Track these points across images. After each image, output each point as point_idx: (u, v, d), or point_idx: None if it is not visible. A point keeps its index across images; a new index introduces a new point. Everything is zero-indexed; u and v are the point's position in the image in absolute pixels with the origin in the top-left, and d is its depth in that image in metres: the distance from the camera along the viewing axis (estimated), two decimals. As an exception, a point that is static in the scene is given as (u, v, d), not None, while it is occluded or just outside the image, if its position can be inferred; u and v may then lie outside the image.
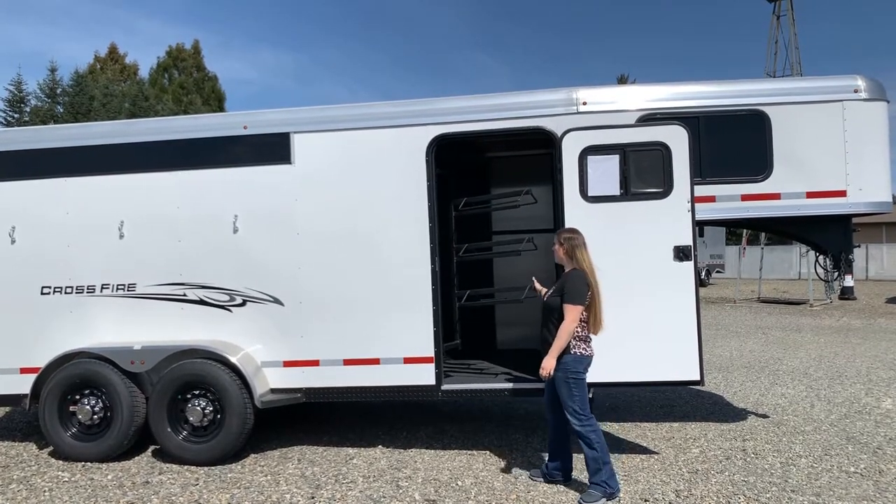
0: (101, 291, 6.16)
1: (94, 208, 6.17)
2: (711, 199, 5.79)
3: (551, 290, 5.01)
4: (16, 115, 31.98)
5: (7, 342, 6.24)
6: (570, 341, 4.81)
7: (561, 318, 4.81)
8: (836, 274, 6.42)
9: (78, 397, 5.97)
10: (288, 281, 5.96)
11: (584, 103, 5.76)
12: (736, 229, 23.64)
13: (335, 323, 5.91)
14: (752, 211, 5.82)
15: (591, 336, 4.95)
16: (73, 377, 5.92)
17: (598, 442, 4.83)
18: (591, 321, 4.90)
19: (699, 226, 5.75)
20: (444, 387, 5.85)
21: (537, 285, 5.52)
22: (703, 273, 30.09)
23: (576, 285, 4.82)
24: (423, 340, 5.79)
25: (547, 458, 5.30)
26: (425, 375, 5.80)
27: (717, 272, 32.38)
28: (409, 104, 5.95)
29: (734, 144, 5.83)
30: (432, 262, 5.80)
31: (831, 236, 6.11)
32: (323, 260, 5.92)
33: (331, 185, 5.93)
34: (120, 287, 6.14)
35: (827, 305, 19.96)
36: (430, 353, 5.79)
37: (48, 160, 6.24)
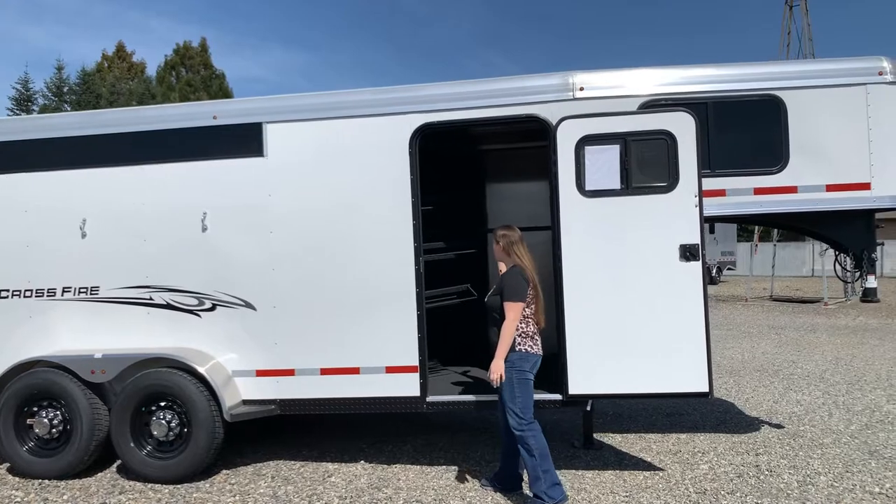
0: (63, 295, 5.72)
1: (55, 206, 5.73)
2: (721, 192, 5.28)
3: (491, 291, 4.87)
4: (23, 114, 31.88)
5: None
6: (515, 338, 4.64)
7: (503, 318, 4.62)
8: (858, 274, 5.90)
9: (36, 409, 5.53)
10: (260, 283, 5.50)
11: (582, 89, 5.26)
12: (748, 225, 23.01)
13: (311, 329, 5.45)
14: (766, 206, 5.31)
15: (538, 333, 4.79)
16: (30, 388, 5.49)
17: (537, 448, 4.57)
18: (537, 316, 4.75)
19: (708, 222, 5.24)
20: (430, 398, 5.37)
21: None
22: (714, 270, 29.47)
23: (514, 282, 4.67)
24: (407, 348, 5.33)
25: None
26: (409, 386, 5.34)
27: (729, 269, 31.71)
28: (390, 91, 5.48)
29: (746, 133, 5.33)
30: (416, 263, 5.33)
31: (853, 233, 5.59)
32: (298, 261, 5.46)
33: (306, 179, 5.46)
34: (82, 290, 5.70)
35: (842, 304, 19.36)
36: (415, 361, 5.32)
37: (5, 155, 5.80)
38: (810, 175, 5.25)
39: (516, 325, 4.62)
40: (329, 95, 5.54)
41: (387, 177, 5.35)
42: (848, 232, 5.60)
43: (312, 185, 5.44)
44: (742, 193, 5.28)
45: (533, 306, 4.74)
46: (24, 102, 37.08)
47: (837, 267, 6.06)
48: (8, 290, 5.78)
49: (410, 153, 5.32)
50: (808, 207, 5.29)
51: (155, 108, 6.00)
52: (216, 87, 42.32)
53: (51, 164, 5.73)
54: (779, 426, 6.66)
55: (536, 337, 4.75)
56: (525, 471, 4.73)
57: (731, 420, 6.97)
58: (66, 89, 38.84)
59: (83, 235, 5.68)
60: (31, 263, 5.75)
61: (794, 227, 6.43)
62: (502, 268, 4.95)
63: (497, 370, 4.56)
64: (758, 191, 5.28)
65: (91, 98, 36.76)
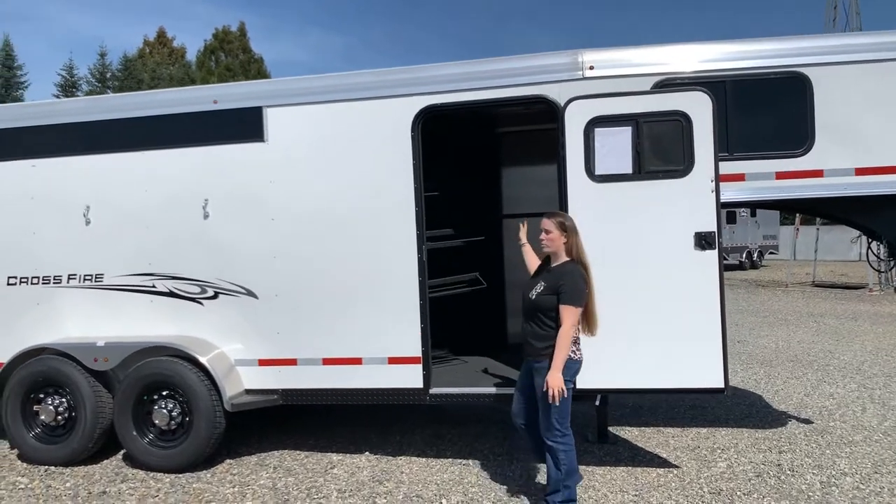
0: (68, 282, 5.70)
1: (60, 193, 5.69)
2: (740, 177, 4.97)
3: (540, 287, 4.25)
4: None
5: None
6: None
7: (552, 319, 4.15)
8: (893, 263, 5.53)
9: (42, 396, 5.54)
10: (262, 271, 5.39)
11: (591, 67, 4.99)
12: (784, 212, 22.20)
13: (313, 318, 5.33)
14: (789, 191, 4.98)
15: (584, 337, 4.31)
16: (36, 375, 5.49)
17: (566, 463, 4.23)
18: (588, 321, 4.26)
19: (725, 209, 4.95)
20: (433, 390, 5.22)
21: (523, 234, 4.88)
22: (756, 254, 28.70)
23: (577, 284, 4.14)
24: (409, 338, 5.17)
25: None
26: (412, 377, 5.18)
27: (771, 254, 30.83)
28: (392, 73, 5.28)
29: (768, 113, 5.00)
30: (419, 251, 5.15)
31: (886, 220, 5.21)
32: (299, 248, 5.33)
33: (307, 164, 5.31)
34: (87, 277, 5.67)
35: (888, 291, 18.61)
36: (417, 352, 5.17)
37: (12, 141, 5.78)
38: (838, 158, 4.90)
39: (573, 331, 4.12)
40: (329, 78, 5.37)
41: (388, 162, 5.17)
42: (881, 219, 5.22)
43: (313, 171, 5.30)
44: (762, 178, 4.96)
45: (586, 310, 4.25)
46: (69, 89, 37.87)
47: (871, 255, 5.69)
48: (16, 277, 5.78)
49: (413, 137, 5.13)
50: (836, 193, 4.94)
51: (157, 92, 5.93)
52: (255, 72, 42.53)
53: (55, 150, 5.69)
54: (807, 421, 6.34)
55: (579, 342, 4.26)
56: (547, 477, 4.40)
57: (756, 414, 6.66)
58: (108, 75, 39.57)
59: (87, 223, 5.64)
60: (37, 250, 5.74)
61: (821, 213, 6.08)
62: (556, 257, 4.29)
63: (556, 384, 4.03)
64: (780, 175, 4.95)
65: (133, 83, 37.34)
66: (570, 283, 4.13)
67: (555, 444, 4.19)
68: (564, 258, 4.27)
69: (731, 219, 26.95)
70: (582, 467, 5.09)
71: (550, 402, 4.07)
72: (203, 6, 67.36)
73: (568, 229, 4.25)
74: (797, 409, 6.76)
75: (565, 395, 4.09)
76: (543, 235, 4.29)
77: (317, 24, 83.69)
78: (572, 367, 4.18)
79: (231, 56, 43.34)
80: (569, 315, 4.09)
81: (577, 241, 4.25)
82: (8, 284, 5.79)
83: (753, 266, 28.32)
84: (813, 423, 6.29)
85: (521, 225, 4.95)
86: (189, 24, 65.19)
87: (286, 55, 75.22)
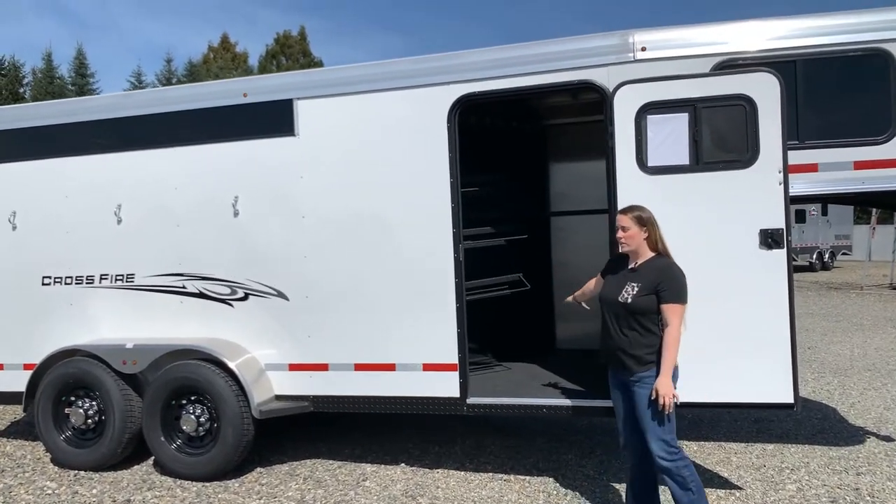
0: (100, 282, 5.58)
1: (92, 191, 5.57)
2: (812, 167, 4.45)
3: (633, 288, 3.78)
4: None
5: (10, 335, 5.78)
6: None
7: (654, 323, 3.73)
8: None
9: (73, 399, 5.43)
10: (293, 272, 5.14)
11: (644, 49, 4.55)
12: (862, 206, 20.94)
13: (345, 321, 5.05)
14: (870, 182, 4.42)
15: None
16: (67, 377, 5.37)
17: (693, 480, 3.73)
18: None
19: (795, 205, 4.44)
20: (471, 400, 4.86)
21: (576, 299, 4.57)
22: (827, 255, 27.29)
23: (678, 279, 3.73)
24: (445, 344, 4.83)
25: None
26: (447, 386, 4.85)
27: (844, 254, 29.27)
28: (427, 60, 4.95)
29: (844, 96, 4.47)
30: (455, 251, 4.80)
31: None
32: (331, 248, 5.06)
33: (338, 159, 5.03)
34: (119, 278, 5.53)
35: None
36: (454, 359, 4.82)
37: (44, 139, 5.70)
38: (927, 145, 4.35)
39: (681, 333, 3.74)
40: (361, 67, 5.07)
41: (423, 155, 4.85)
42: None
43: (344, 166, 5.02)
44: (839, 168, 4.42)
45: None
46: (137, 95, 38.98)
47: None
48: (50, 277, 5.69)
49: (449, 128, 4.79)
50: (924, 184, 4.38)
51: (186, 87, 5.75)
52: (314, 75, 43.05)
53: (87, 148, 5.58)
54: (888, 439, 5.73)
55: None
56: None
57: (830, 430, 6.07)
58: (174, 80, 40.62)
59: (119, 221, 5.51)
60: (71, 250, 5.63)
61: (907, 207, 5.45)
62: (638, 255, 3.86)
63: (668, 390, 3.61)
64: (858, 165, 4.41)
65: (198, 89, 38.12)
66: (670, 279, 3.72)
67: (674, 463, 3.71)
68: (650, 254, 3.83)
69: (801, 217, 25.71)
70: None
71: (661, 409, 3.62)
72: (266, 11, 68.66)
73: (647, 222, 3.81)
74: (876, 425, 6.14)
75: (678, 403, 3.67)
76: (620, 233, 3.85)
77: (376, 25, 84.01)
78: (677, 375, 3.76)
79: (291, 60, 44.06)
80: (676, 314, 3.68)
81: (660, 234, 3.83)
82: (42, 285, 5.71)
83: (825, 267, 26.93)
84: (895, 440, 5.69)
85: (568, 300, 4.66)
86: (252, 28, 66.51)
87: (347, 57, 75.91)
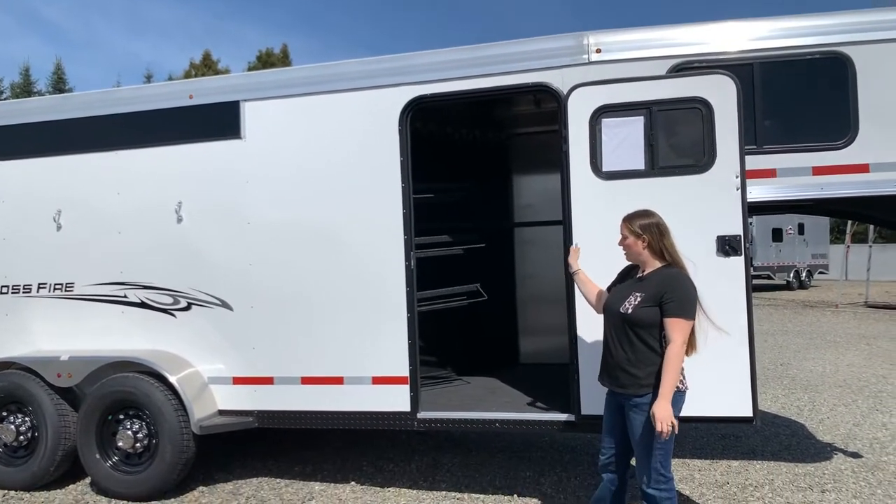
0: (38, 291, 5.32)
1: (30, 195, 5.34)
2: (770, 173, 4.32)
3: (636, 298, 3.47)
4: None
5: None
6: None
7: (655, 339, 3.43)
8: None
9: (4, 414, 5.15)
10: (237, 281, 4.92)
11: (598, 50, 4.42)
12: (839, 224, 20.98)
13: (291, 332, 4.83)
14: (830, 188, 4.30)
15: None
16: (-1, 391, 5.11)
17: None
18: (690, 338, 3.47)
19: (753, 211, 4.30)
20: (421, 414, 4.65)
21: (575, 260, 4.07)
22: (804, 274, 27.41)
23: (687, 291, 3.40)
24: (396, 356, 4.63)
25: None
26: (398, 400, 4.63)
27: (821, 273, 29.40)
28: (378, 62, 4.78)
29: (803, 99, 4.37)
30: (407, 259, 4.62)
31: None
32: (277, 255, 4.85)
33: (286, 163, 4.85)
34: (57, 287, 5.28)
35: (948, 311, 17.36)
36: (405, 371, 4.62)
37: None
38: (887, 150, 4.23)
39: (684, 351, 3.41)
40: (311, 69, 4.91)
41: (374, 159, 4.67)
42: (939, 222, 4.52)
43: (292, 170, 4.83)
44: (797, 174, 4.30)
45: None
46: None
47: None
48: (-15, 287, 5.43)
49: (401, 131, 4.62)
50: (885, 191, 4.26)
51: (130, 88, 5.52)
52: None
53: (24, 151, 5.35)
54: (855, 455, 5.59)
55: (684, 368, 3.49)
56: None
57: (797, 446, 5.92)
58: (151, 95, 40.27)
59: (58, 228, 5.27)
60: (7, 257, 5.38)
61: (868, 217, 5.36)
62: (646, 264, 3.56)
63: (665, 415, 3.28)
64: (817, 170, 4.29)
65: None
66: (676, 290, 3.38)
67: (658, 492, 3.43)
68: (657, 263, 3.52)
69: (778, 237, 25.85)
70: (587, 506, 4.49)
71: (657, 438, 3.33)
72: (253, 31, 68.46)
73: (647, 229, 3.49)
74: (844, 441, 5.99)
75: (676, 431, 3.35)
76: (627, 244, 3.60)
77: (363, 46, 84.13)
78: (679, 400, 3.44)
79: (273, 77, 43.97)
80: (680, 330, 3.35)
81: (667, 242, 3.50)
82: (-21, 294, 5.44)
83: (802, 286, 27.01)
84: (862, 457, 5.54)
85: (572, 249, 4.13)
86: (237, 48, 66.30)
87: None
